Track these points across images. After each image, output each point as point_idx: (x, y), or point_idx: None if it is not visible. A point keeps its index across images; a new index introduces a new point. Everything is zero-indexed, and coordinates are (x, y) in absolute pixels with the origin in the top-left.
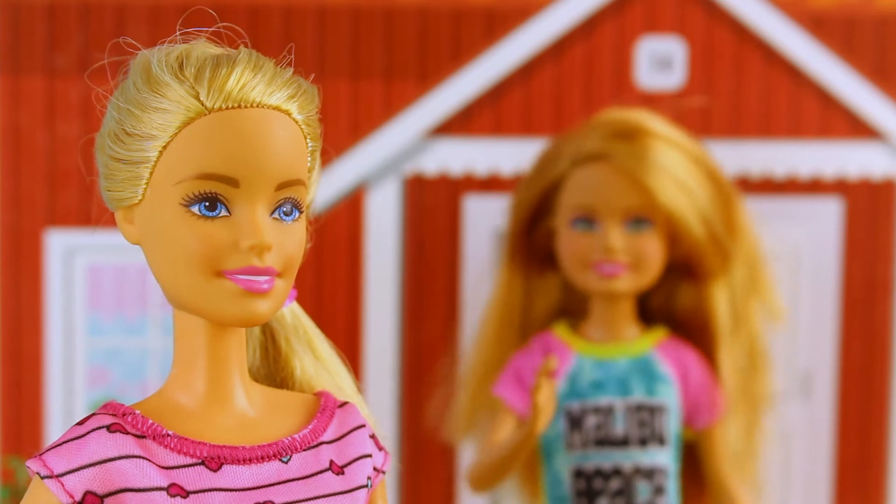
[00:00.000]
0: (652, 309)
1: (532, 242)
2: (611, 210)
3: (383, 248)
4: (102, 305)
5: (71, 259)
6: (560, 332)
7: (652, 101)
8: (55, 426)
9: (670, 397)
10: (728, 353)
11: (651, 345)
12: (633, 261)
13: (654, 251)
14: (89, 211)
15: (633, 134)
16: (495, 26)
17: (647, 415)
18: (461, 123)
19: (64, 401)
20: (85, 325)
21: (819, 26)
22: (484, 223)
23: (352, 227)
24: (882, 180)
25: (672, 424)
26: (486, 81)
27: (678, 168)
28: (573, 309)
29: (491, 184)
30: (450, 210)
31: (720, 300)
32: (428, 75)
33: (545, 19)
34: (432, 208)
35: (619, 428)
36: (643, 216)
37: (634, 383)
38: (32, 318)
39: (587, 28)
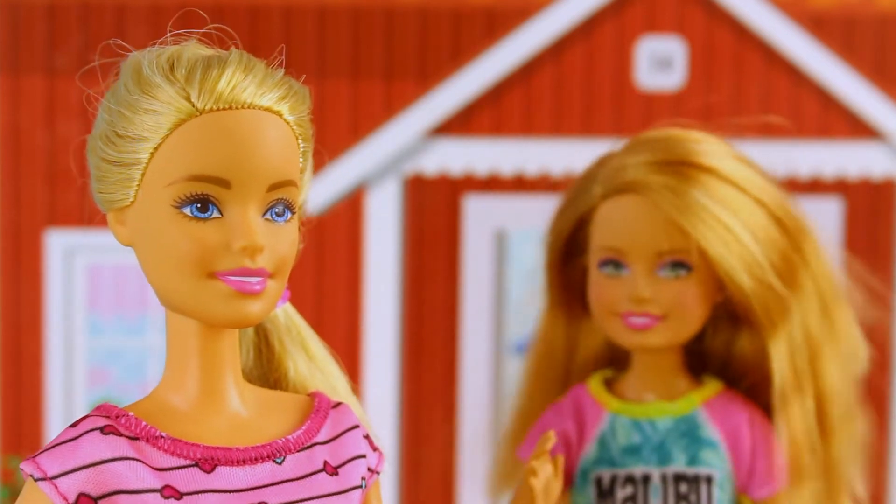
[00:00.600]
0: (709, 356)
1: (570, 280)
2: (641, 253)
3: (383, 248)
4: (102, 305)
5: (71, 259)
6: (593, 386)
7: (652, 101)
8: (55, 426)
9: (718, 466)
10: (791, 414)
11: (698, 402)
12: (667, 311)
13: (691, 301)
14: (89, 211)
15: (677, 163)
16: (495, 26)
17: (687, 487)
18: (461, 123)
19: (64, 401)
20: (85, 325)
21: (819, 26)
22: (484, 223)
23: (352, 227)
24: (882, 180)
25: (722, 497)
26: (486, 81)
27: (727, 207)
28: (621, 356)
29: (491, 184)
30: (450, 210)
31: (778, 354)
32: (428, 75)
33: (545, 19)
34: (432, 208)
35: (655, 503)
36: (679, 260)
37: (675, 449)
38: (32, 318)
39: (587, 28)
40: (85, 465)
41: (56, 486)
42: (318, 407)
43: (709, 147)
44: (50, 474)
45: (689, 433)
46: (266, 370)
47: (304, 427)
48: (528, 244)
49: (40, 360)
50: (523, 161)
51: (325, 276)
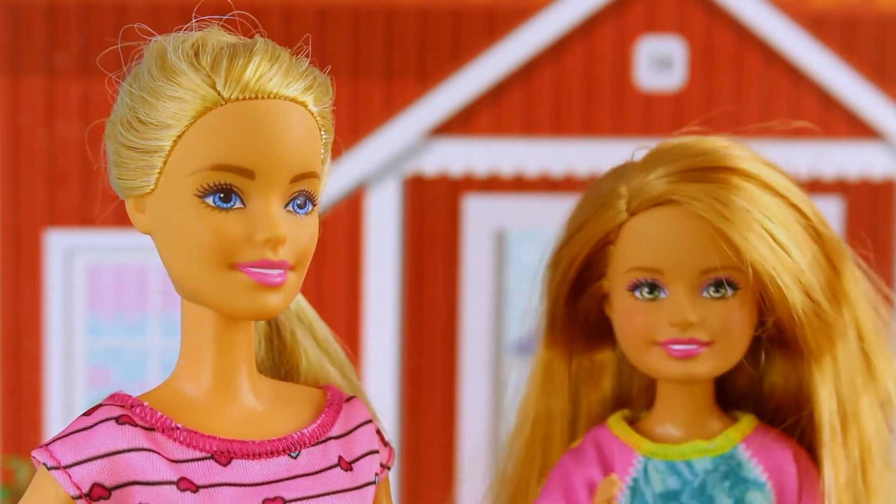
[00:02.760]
0: (735, 388)
1: (580, 308)
2: (683, 272)
3: (383, 248)
4: (102, 305)
5: (71, 259)
6: (617, 428)
7: (652, 101)
8: (55, 426)
9: None
10: (836, 456)
11: (737, 439)
12: (714, 336)
13: (739, 323)
14: (89, 211)
15: (713, 170)
16: (495, 26)
17: None
18: (461, 123)
19: (64, 401)
20: (85, 325)
21: (819, 26)
22: (484, 223)
23: (352, 227)
24: (882, 180)
25: None
26: (486, 81)
27: (772, 216)
28: (630, 394)
29: (491, 184)
30: (450, 210)
31: (824, 387)
32: (428, 75)
33: (545, 19)
34: (432, 208)
35: None
36: (726, 278)
37: (718, 493)
38: (32, 318)
39: (587, 28)
40: (100, 455)
41: (69, 475)
42: (331, 401)
43: (738, 151)
44: (63, 463)
45: (732, 474)
46: (278, 361)
47: (318, 421)
48: (527, 244)
49: (40, 360)
50: (523, 161)
51: (325, 276)
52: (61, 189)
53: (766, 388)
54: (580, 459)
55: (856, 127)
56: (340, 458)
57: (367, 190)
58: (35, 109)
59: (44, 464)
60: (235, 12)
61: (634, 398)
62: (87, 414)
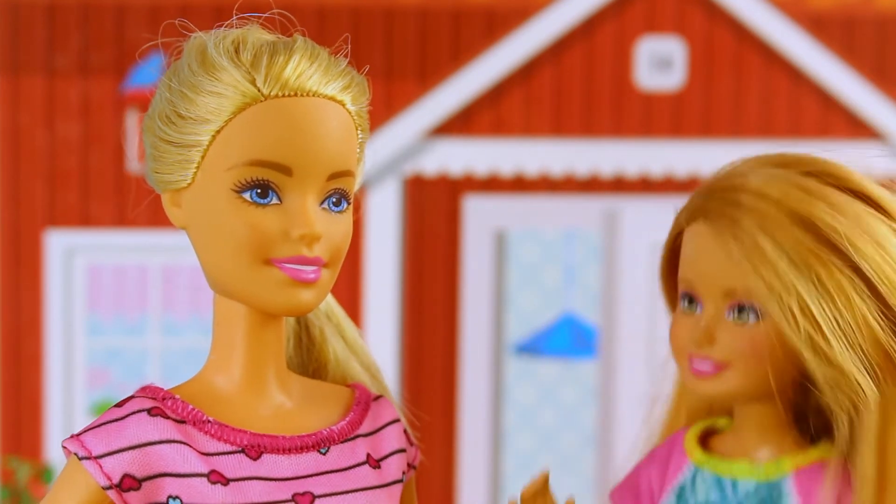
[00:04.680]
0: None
1: None
2: (710, 289)
3: (383, 248)
4: (102, 305)
5: (71, 259)
6: (689, 433)
7: (652, 101)
8: (55, 426)
9: None
10: None
11: (789, 469)
12: (729, 359)
13: (756, 352)
14: (89, 211)
15: (783, 206)
16: (495, 26)
17: None
18: (461, 123)
19: (64, 401)
20: (85, 325)
21: (819, 26)
22: (484, 223)
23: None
24: (882, 180)
25: None
26: (486, 81)
27: (809, 273)
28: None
29: (491, 184)
30: (450, 210)
31: (865, 442)
32: (428, 75)
33: (545, 19)
34: (432, 208)
35: None
36: (747, 304)
37: None
38: (32, 318)
39: (587, 28)
40: (131, 446)
41: (101, 466)
42: (359, 399)
43: (837, 198)
44: (95, 453)
45: (771, 500)
46: (306, 359)
47: (347, 418)
48: (527, 244)
49: (40, 360)
50: (523, 161)
51: None
52: (61, 189)
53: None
54: (652, 457)
55: (856, 127)
56: (369, 455)
57: (368, 190)
58: (35, 109)
59: (75, 454)
60: (275, 11)
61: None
62: (118, 405)
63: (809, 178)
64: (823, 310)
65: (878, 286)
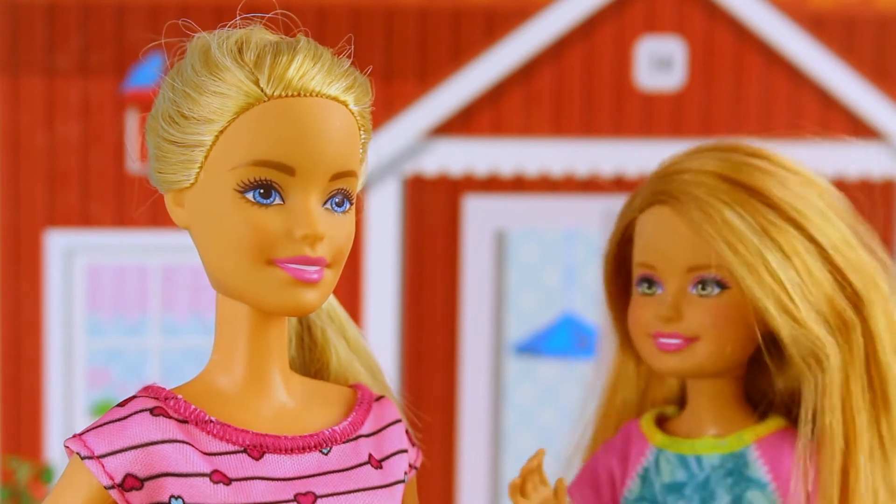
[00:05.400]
0: (776, 393)
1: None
2: (671, 268)
3: (383, 248)
4: (102, 305)
5: (71, 259)
6: (644, 420)
7: (652, 101)
8: (55, 426)
9: None
10: (823, 466)
11: (750, 440)
12: (698, 332)
13: (724, 321)
14: (89, 211)
15: (724, 178)
16: (495, 26)
17: None
18: (461, 123)
19: (64, 401)
20: (85, 325)
21: (819, 26)
22: (484, 223)
23: None
24: (882, 180)
25: None
26: (486, 81)
27: (767, 236)
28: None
29: (491, 184)
30: (450, 210)
31: (807, 403)
32: (428, 75)
33: (545, 19)
34: (432, 208)
35: None
36: (710, 277)
37: (719, 489)
38: (32, 318)
39: (587, 28)
40: (133, 446)
41: (103, 465)
42: (361, 399)
43: (772, 168)
44: (97, 453)
45: (736, 471)
46: (308, 360)
47: (349, 419)
48: (528, 244)
49: (40, 361)
50: (523, 161)
51: None
52: (61, 189)
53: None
54: (608, 449)
55: (856, 127)
56: (371, 455)
57: (368, 190)
58: (35, 109)
59: (77, 453)
60: (277, 11)
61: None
62: (121, 405)
63: (752, 157)
64: (788, 274)
65: (827, 250)
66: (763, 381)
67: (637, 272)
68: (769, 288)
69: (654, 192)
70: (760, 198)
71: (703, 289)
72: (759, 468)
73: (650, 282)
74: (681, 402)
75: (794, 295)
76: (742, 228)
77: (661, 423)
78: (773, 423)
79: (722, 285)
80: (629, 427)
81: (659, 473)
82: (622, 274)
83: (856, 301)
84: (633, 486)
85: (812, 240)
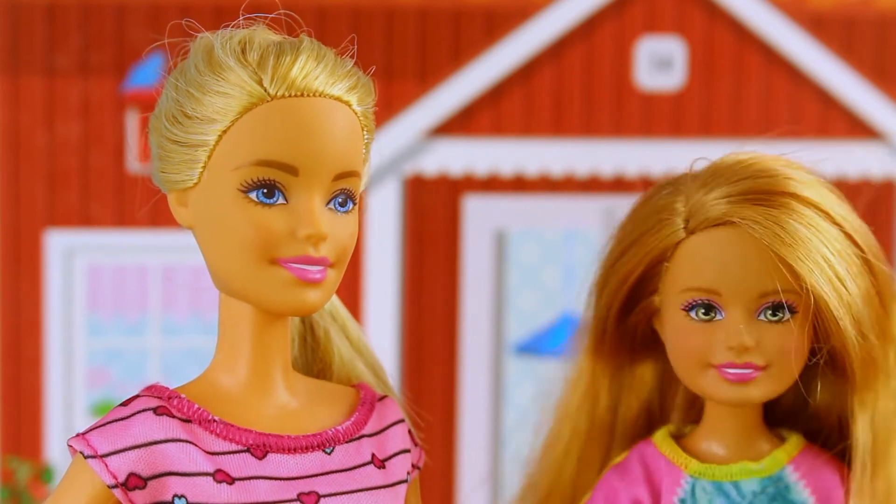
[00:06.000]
0: (780, 405)
1: (625, 327)
2: (741, 295)
3: (383, 248)
4: (102, 305)
5: (71, 259)
6: (663, 445)
7: (652, 101)
8: (55, 426)
9: None
10: (863, 494)
11: (785, 461)
12: (770, 361)
13: (796, 348)
14: (89, 211)
15: (774, 194)
16: (495, 26)
17: None
18: (461, 123)
19: (64, 401)
20: (85, 326)
21: (819, 26)
22: (484, 223)
23: None
24: (882, 180)
25: None
26: (486, 81)
27: (830, 246)
28: (670, 408)
29: (491, 184)
30: (450, 210)
31: (863, 420)
32: (428, 75)
33: (545, 19)
34: (432, 208)
35: None
36: (784, 302)
37: None
38: (32, 318)
39: (587, 28)
40: (137, 445)
41: (106, 465)
42: (364, 399)
43: (799, 175)
44: (100, 452)
45: (780, 496)
46: (311, 359)
47: (352, 418)
48: (527, 244)
49: (40, 360)
50: (523, 161)
51: None
52: (61, 189)
53: (812, 409)
54: (625, 477)
55: (856, 127)
56: (374, 455)
57: (367, 190)
58: (35, 109)
59: (80, 452)
60: (280, 11)
61: (675, 412)
62: (124, 404)
63: (789, 168)
64: (851, 285)
65: (868, 256)
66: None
67: (688, 297)
68: (847, 306)
69: (712, 217)
70: (810, 206)
71: (774, 314)
72: (802, 490)
73: (709, 308)
74: (659, 417)
75: (860, 306)
76: (822, 248)
77: (676, 443)
78: (797, 441)
79: (792, 310)
80: (643, 451)
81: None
82: (638, 294)
83: (886, 307)
84: None
85: (857, 246)
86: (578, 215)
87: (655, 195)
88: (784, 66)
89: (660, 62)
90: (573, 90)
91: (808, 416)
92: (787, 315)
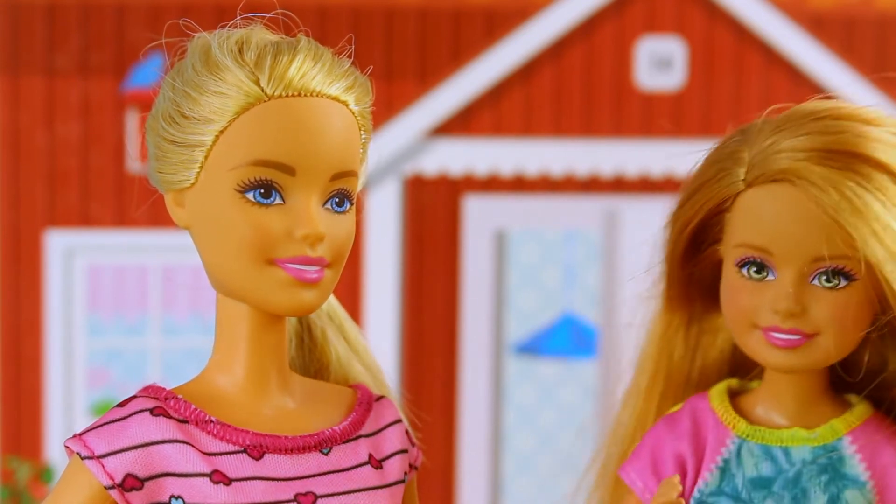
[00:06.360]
0: (857, 367)
1: (696, 271)
2: (794, 257)
3: (383, 248)
4: (102, 306)
5: (71, 259)
6: (717, 401)
7: (652, 101)
8: (55, 426)
9: None
10: None
11: (843, 431)
12: (819, 329)
13: (850, 317)
14: (89, 211)
15: (847, 154)
16: (495, 26)
17: None
18: (461, 123)
19: (64, 401)
20: (85, 326)
21: (819, 26)
22: (484, 223)
23: None
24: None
25: None
26: (486, 81)
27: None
28: (748, 361)
29: (491, 184)
30: (450, 210)
31: None
32: (428, 75)
33: (545, 19)
34: (432, 208)
35: None
36: (841, 268)
37: (813, 486)
38: (32, 318)
39: (587, 28)
40: (133, 446)
41: (103, 465)
42: (361, 399)
43: (877, 134)
44: (97, 453)
45: (831, 468)
46: (308, 360)
47: (349, 419)
48: (527, 244)
49: (40, 361)
50: (523, 161)
51: None
52: (61, 189)
53: (888, 375)
54: (674, 429)
55: None
56: (371, 455)
57: (368, 190)
58: (35, 109)
59: (77, 453)
60: (278, 11)
61: (751, 363)
62: (121, 405)
63: (868, 125)
64: None
65: None
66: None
67: (741, 253)
68: None
69: (773, 170)
70: (884, 170)
71: (829, 280)
72: (857, 465)
73: (761, 266)
74: (737, 365)
75: None
76: (886, 217)
77: (732, 399)
78: (862, 410)
79: (850, 277)
80: (695, 405)
81: (741, 465)
82: (701, 241)
83: None
84: (710, 478)
85: None
86: (578, 215)
87: (727, 140)
88: (784, 66)
89: (660, 62)
90: (573, 90)
91: (884, 382)
92: (843, 282)
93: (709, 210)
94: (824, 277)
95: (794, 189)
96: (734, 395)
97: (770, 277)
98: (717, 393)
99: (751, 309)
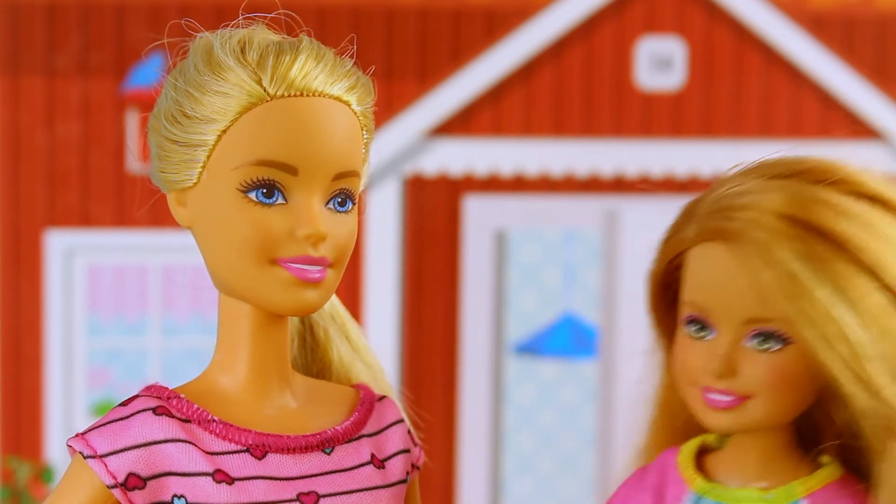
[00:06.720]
0: (833, 424)
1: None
2: (728, 315)
3: (383, 248)
4: (102, 305)
5: (71, 259)
6: (683, 456)
7: (652, 101)
8: (55, 426)
9: None
10: None
11: (800, 495)
12: (754, 391)
13: (786, 380)
14: (89, 211)
15: (800, 221)
16: (495, 26)
17: None
18: (461, 123)
19: (64, 401)
20: (85, 326)
21: (819, 26)
22: (484, 223)
23: None
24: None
25: None
26: (486, 81)
27: (846, 297)
28: None
29: (491, 184)
30: (450, 210)
31: (891, 475)
32: (428, 75)
33: (545, 19)
34: (432, 208)
35: None
36: (771, 331)
37: None
38: (32, 318)
39: (587, 28)
40: (136, 445)
41: (106, 465)
42: (363, 399)
43: (846, 199)
44: (100, 452)
45: None
46: (310, 360)
47: (351, 419)
48: (527, 244)
49: (40, 361)
50: (523, 161)
51: None
52: (61, 189)
53: (842, 431)
54: (641, 482)
55: (856, 127)
56: (373, 455)
57: (367, 190)
58: (35, 109)
59: (80, 452)
60: (280, 11)
61: None
62: (123, 404)
63: (829, 189)
64: (862, 335)
65: None
66: (815, 411)
67: (686, 311)
68: (840, 353)
69: (713, 228)
70: (837, 246)
71: (763, 343)
72: None
73: (701, 325)
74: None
75: (869, 361)
76: (808, 281)
77: (701, 455)
78: (827, 473)
79: (784, 340)
80: (665, 459)
81: None
82: (668, 294)
83: None
84: None
85: (889, 289)
86: (578, 215)
87: (705, 192)
88: (784, 66)
89: (660, 62)
90: (573, 90)
91: (846, 441)
92: (776, 345)
93: (667, 263)
94: (757, 340)
95: (731, 247)
96: (707, 451)
97: (710, 336)
98: (687, 448)
99: (691, 367)
